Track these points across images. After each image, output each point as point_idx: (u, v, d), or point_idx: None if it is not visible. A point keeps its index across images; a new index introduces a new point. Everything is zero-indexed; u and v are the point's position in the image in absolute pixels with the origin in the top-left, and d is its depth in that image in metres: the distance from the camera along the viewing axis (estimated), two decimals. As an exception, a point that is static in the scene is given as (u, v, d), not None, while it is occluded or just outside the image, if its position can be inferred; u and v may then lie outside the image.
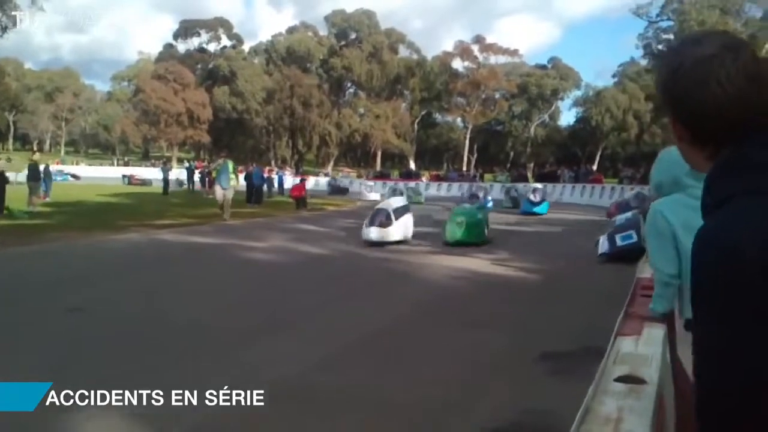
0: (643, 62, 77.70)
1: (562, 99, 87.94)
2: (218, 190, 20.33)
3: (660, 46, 70.53)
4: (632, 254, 9.78)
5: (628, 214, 13.70)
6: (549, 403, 4.46)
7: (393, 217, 15.08)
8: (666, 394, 2.08)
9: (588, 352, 5.70)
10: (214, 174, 22.01)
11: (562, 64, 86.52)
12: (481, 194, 27.73)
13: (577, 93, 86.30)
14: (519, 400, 4.65)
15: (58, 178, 44.46)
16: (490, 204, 27.21)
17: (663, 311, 2.65)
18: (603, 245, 12.27)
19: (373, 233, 14.61)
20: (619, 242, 11.91)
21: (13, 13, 18.22)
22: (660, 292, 2.66)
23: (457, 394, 4.78)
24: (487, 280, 10.28)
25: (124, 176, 52.90)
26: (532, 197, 28.10)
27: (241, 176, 37.67)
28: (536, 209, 26.73)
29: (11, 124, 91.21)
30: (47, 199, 25.93)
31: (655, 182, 2.92)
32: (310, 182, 41.48)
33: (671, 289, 2.61)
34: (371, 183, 47.70)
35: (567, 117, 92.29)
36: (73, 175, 53.74)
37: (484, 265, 11.79)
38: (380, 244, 14.34)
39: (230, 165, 20.25)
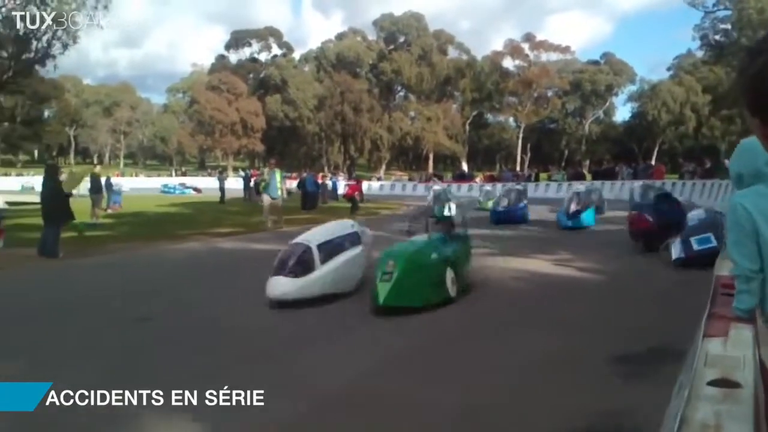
0: (700, 54, 75.76)
1: (616, 94, 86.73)
2: (266, 199, 20.15)
3: (717, 37, 68.57)
4: (710, 260, 8.65)
5: (701, 213, 12.16)
6: (622, 407, 4.33)
7: (316, 258, 8.94)
8: (760, 398, 1.98)
9: (656, 353, 5.56)
10: (262, 185, 21.73)
11: (616, 59, 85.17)
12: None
13: (632, 88, 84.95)
14: (590, 404, 4.53)
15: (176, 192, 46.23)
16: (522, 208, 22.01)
17: (747, 308, 2.52)
18: (676, 249, 10.92)
19: (277, 287, 8.59)
20: (695, 246, 10.60)
21: (72, 29, 18.72)
22: (742, 288, 2.53)
23: (527, 399, 4.69)
24: (548, 280, 10.10)
25: (165, 186, 53.80)
26: (569, 206, 19.86)
27: (295, 183, 38.18)
28: (575, 223, 18.75)
29: (72, 138, 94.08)
30: (119, 210, 27.11)
31: (734, 174, 2.79)
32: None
33: (754, 284, 2.48)
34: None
35: (622, 113, 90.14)
36: (195, 189, 53.78)
37: (545, 265, 11.58)
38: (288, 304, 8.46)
39: (278, 174, 20.11)
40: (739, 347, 2.14)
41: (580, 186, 30.91)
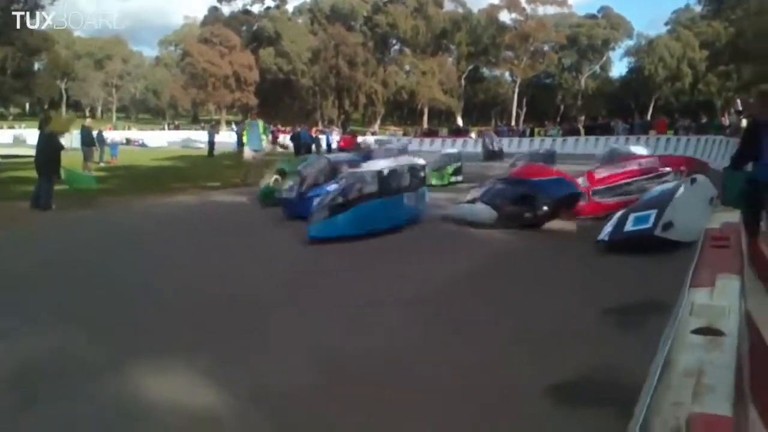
0: (698, 8, 75.08)
1: (613, 49, 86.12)
2: (247, 152, 19.15)
3: (716, -9, 68.15)
4: (641, 246, 8.06)
5: (669, 186, 9.42)
6: (618, 357, 4.38)
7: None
8: (743, 347, 1.99)
9: (651, 305, 5.60)
10: (245, 137, 20.80)
11: (613, 13, 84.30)
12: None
13: (629, 43, 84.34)
14: (587, 354, 4.58)
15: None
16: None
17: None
18: (606, 228, 8.81)
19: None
20: (628, 225, 8.39)
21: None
22: None
23: (521, 351, 4.74)
24: (532, 237, 10.10)
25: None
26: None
27: (287, 137, 37.96)
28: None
29: (63, 92, 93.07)
30: (114, 163, 27.16)
31: None
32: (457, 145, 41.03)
33: None
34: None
35: (619, 68, 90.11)
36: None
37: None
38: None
39: (260, 125, 19.38)
40: (725, 297, 2.15)
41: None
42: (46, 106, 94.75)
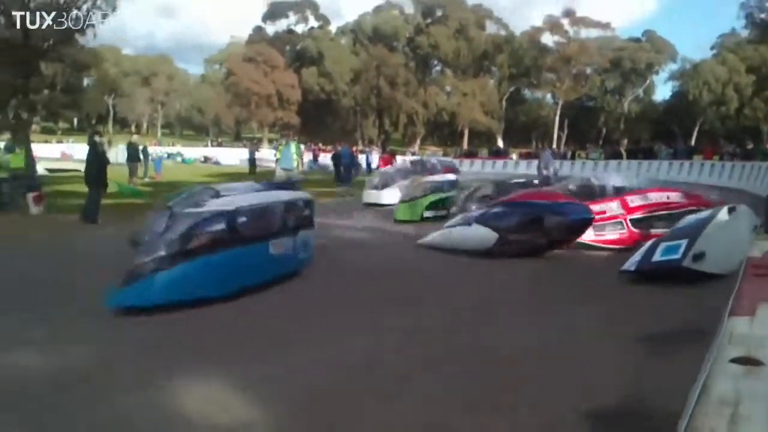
0: (745, 33, 73.84)
1: (657, 73, 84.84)
2: (279, 172, 18.87)
3: (763, 15, 66.85)
4: (668, 277, 7.74)
5: (704, 215, 8.86)
6: (653, 385, 4.32)
7: None
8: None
9: (690, 333, 5.52)
10: (277, 155, 20.54)
11: (657, 37, 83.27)
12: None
13: (673, 66, 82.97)
14: (619, 380, 4.53)
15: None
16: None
17: None
18: (633, 257, 8.40)
19: None
20: (657, 256, 7.93)
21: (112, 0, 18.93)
22: None
23: (552, 374, 4.70)
24: (573, 257, 9.96)
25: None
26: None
27: (328, 156, 38.26)
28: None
29: (111, 108, 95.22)
30: (159, 178, 27.62)
31: None
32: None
33: None
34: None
35: (662, 91, 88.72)
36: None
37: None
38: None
39: (293, 146, 19.30)
40: (765, 326, 2.13)
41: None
42: (93, 122, 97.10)
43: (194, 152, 61.16)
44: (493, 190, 14.19)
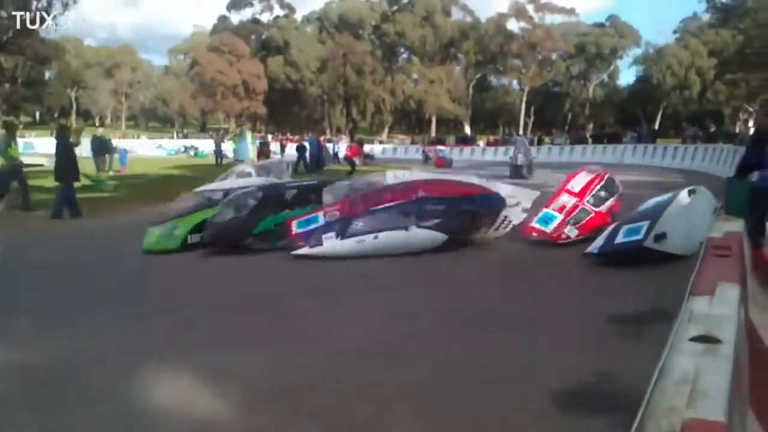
0: (707, 17, 75.02)
1: (621, 58, 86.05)
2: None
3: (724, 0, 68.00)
4: (630, 258, 7.78)
5: (665, 197, 8.76)
6: (621, 365, 4.39)
7: None
8: (741, 355, 2.02)
9: (656, 313, 5.62)
10: (233, 145, 19.48)
11: (621, 22, 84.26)
12: None
13: (637, 51, 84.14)
14: (587, 362, 4.59)
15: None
16: None
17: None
18: (596, 241, 8.40)
19: None
20: (620, 238, 8.00)
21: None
22: None
23: (522, 357, 4.76)
24: (541, 243, 10.03)
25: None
26: None
27: (294, 146, 38.09)
28: None
29: (73, 100, 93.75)
30: (125, 171, 27.17)
31: None
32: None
33: None
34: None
35: (626, 76, 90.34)
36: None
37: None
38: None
39: (248, 135, 18.76)
40: (724, 305, 2.18)
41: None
42: (56, 115, 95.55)
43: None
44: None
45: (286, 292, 7.27)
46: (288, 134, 65.07)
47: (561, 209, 9.84)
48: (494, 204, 9.49)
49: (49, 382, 4.46)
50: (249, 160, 17.73)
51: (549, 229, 9.62)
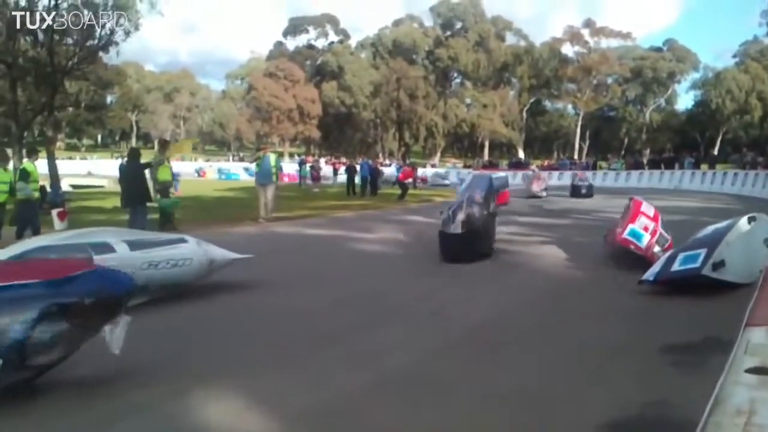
0: (767, 40, 73.28)
1: (678, 82, 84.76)
2: (258, 187, 17.36)
3: (787, 22, 66.25)
4: (688, 287, 7.51)
5: (723, 224, 8.61)
6: (673, 397, 4.27)
7: None
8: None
9: (712, 344, 5.46)
10: (255, 167, 18.35)
11: (679, 46, 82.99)
12: None
13: (695, 75, 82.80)
14: (640, 392, 4.48)
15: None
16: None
17: None
18: (654, 267, 8.13)
19: None
20: (676, 266, 7.72)
21: (135, 17, 19.20)
22: None
23: (572, 385, 4.67)
24: (600, 267, 9.89)
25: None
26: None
27: (342, 169, 38.43)
28: None
29: (134, 124, 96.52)
30: (177, 194, 27.54)
31: None
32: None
33: None
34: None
35: (684, 101, 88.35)
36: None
37: (593, 255, 11.35)
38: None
39: (272, 158, 17.89)
40: (783, 336, 2.12)
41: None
42: (117, 138, 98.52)
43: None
44: None
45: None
46: (341, 158, 65.62)
47: (645, 229, 9.83)
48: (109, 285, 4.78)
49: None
50: (273, 184, 16.97)
51: (642, 245, 9.54)
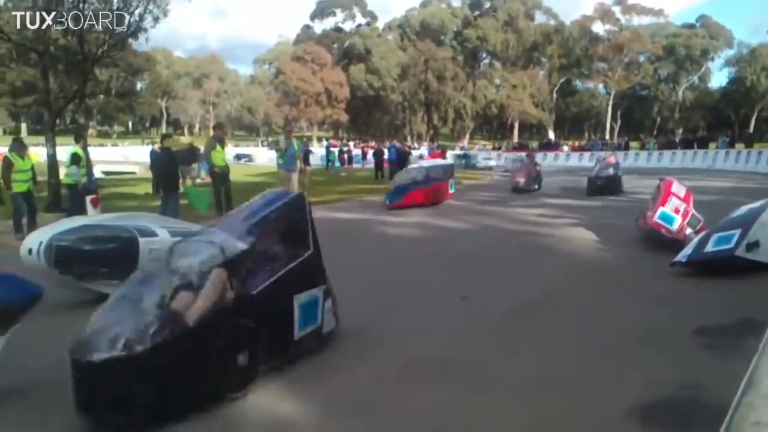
0: (805, 14, 71.65)
1: (712, 59, 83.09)
2: (282, 174, 16.76)
3: (825, -5, 64.66)
4: (721, 267, 7.44)
5: (757, 205, 8.35)
6: (706, 379, 4.23)
7: None
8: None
9: (746, 325, 5.39)
10: (278, 158, 17.60)
11: (712, 22, 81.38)
12: None
13: (729, 52, 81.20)
14: (674, 374, 4.44)
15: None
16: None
17: None
18: (685, 249, 8.05)
19: None
20: (710, 246, 7.65)
21: (164, 5, 19.24)
22: None
23: (606, 368, 4.64)
24: (632, 249, 9.79)
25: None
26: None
27: (370, 152, 38.28)
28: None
29: (164, 110, 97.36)
30: (207, 180, 27.78)
31: None
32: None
33: None
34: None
35: (718, 78, 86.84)
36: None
37: (625, 237, 11.21)
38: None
39: (296, 144, 17.46)
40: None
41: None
42: (147, 124, 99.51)
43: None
44: None
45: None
46: (369, 141, 65.65)
47: (676, 211, 9.68)
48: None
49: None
50: (296, 170, 16.52)
51: (674, 228, 9.42)
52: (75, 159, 12.78)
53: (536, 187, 21.46)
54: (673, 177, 11.88)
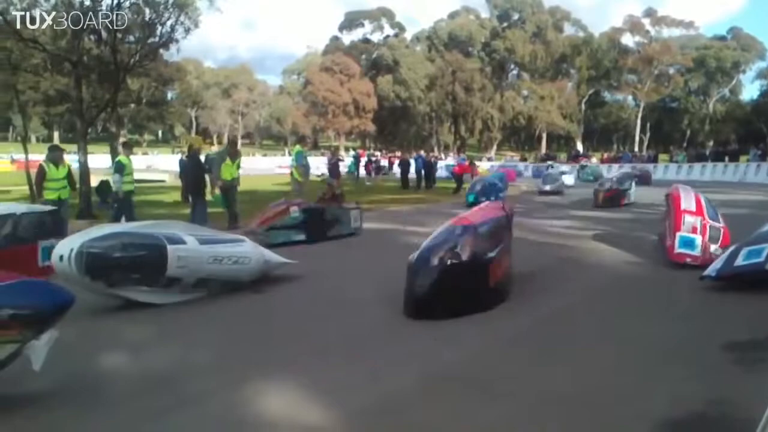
0: (840, 26, 70.46)
1: (744, 72, 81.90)
2: (295, 183, 17.26)
3: None
4: (751, 282, 7.31)
5: None
6: (736, 395, 4.16)
7: None
8: None
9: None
10: (293, 167, 17.77)
11: (744, 34, 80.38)
12: None
13: (762, 64, 79.86)
14: (702, 390, 4.38)
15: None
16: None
17: None
18: (715, 263, 7.96)
19: None
20: (740, 261, 7.50)
21: (194, 14, 19.51)
22: None
23: (633, 383, 4.59)
24: (660, 262, 9.67)
25: None
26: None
27: (396, 163, 38.27)
28: None
29: (193, 119, 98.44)
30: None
31: None
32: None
33: None
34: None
35: (750, 91, 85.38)
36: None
37: (653, 249, 11.08)
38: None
39: (301, 152, 17.78)
40: None
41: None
42: (177, 133, 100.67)
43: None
44: None
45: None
46: (396, 152, 65.70)
47: (694, 231, 9.35)
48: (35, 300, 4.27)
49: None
50: (306, 179, 16.76)
51: (698, 252, 9.13)
52: (119, 167, 13.07)
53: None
54: (678, 184, 11.63)
